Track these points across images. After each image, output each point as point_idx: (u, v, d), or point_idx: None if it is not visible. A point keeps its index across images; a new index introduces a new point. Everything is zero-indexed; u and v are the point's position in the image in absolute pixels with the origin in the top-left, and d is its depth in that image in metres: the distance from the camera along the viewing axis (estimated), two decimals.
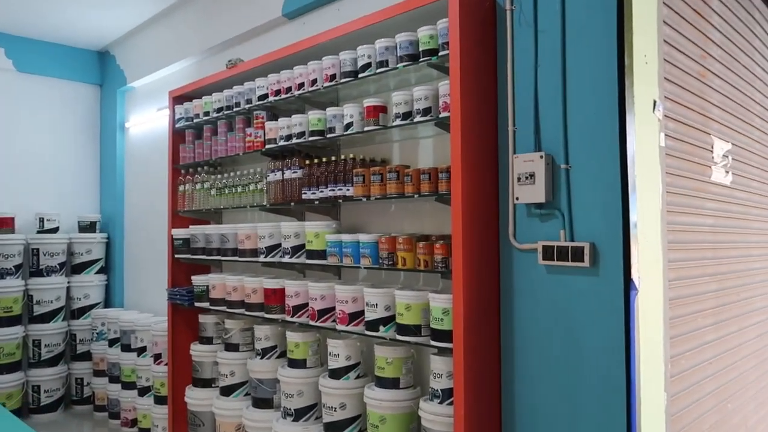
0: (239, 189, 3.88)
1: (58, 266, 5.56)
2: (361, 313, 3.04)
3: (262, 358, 3.69)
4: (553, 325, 2.51)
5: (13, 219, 5.43)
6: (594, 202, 2.40)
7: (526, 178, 2.54)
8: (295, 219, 3.73)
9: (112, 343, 5.22)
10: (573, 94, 2.47)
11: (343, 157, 3.22)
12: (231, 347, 3.93)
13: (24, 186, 5.72)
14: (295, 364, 3.43)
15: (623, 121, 2.33)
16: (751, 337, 3.62)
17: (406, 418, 2.92)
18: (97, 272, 5.83)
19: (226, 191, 3.99)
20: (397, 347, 2.94)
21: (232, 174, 4.00)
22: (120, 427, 5.07)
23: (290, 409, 3.40)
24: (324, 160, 3.29)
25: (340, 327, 3.10)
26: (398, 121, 2.87)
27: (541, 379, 2.54)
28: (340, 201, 3.15)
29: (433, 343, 2.70)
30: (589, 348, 2.38)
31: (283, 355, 3.62)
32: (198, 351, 4.15)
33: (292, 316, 3.39)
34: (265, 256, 3.58)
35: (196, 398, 4.10)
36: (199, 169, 4.30)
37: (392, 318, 2.91)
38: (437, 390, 2.73)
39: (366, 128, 3.04)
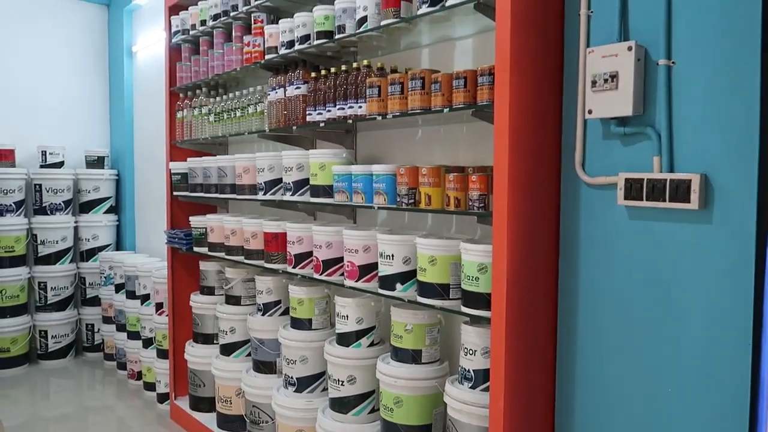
0: (238, 113, 3.21)
1: (63, 204, 5.11)
2: (375, 266, 2.37)
3: (263, 315, 3.10)
4: (636, 293, 1.77)
5: (13, 151, 4.96)
6: (709, 115, 1.61)
7: (605, 81, 1.75)
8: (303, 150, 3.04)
9: (118, 288, 4.78)
10: None
11: (355, 65, 2.48)
12: (232, 300, 3.36)
13: (25, 116, 5.22)
14: (298, 324, 2.82)
15: None
16: None
17: (427, 402, 2.28)
18: (107, 212, 5.36)
19: (225, 116, 3.33)
20: (418, 312, 2.26)
21: (230, 95, 3.33)
22: (127, 379, 4.68)
23: (292, 378, 2.81)
24: (332, 71, 2.56)
25: (348, 282, 2.45)
26: (425, 8, 2.09)
27: (614, 368, 1.83)
28: (351, 121, 2.43)
29: (464, 309, 2.01)
30: (694, 329, 1.64)
31: (287, 312, 3.02)
32: (198, 302, 3.61)
33: (294, 267, 2.76)
34: (265, 193, 2.93)
35: (196, 355, 3.59)
36: (197, 91, 3.65)
37: (413, 274, 2.23)
38: (469, 371, 2.06)
39: (383, 22, 2.28)
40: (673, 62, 1.68)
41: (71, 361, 5.20)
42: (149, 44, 5.12)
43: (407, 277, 2.24)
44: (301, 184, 2.74)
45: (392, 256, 2.24)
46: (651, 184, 1.68)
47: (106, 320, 5.03)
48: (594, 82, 1.77)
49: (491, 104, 1.88)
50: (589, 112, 1.80)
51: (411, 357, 2.30)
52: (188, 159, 3.64)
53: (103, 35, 5.62)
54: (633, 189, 1.72)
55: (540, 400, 1.99)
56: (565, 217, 1.96)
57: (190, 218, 3.61)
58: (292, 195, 2.75)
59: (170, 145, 3.85)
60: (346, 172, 2.46)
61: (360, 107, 2.40)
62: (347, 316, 2.54)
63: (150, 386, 4.30)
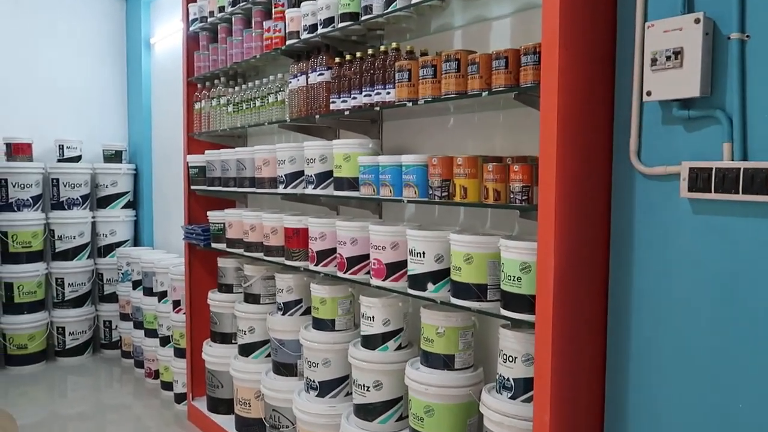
0: (257, 102, 3.07)
1: (80, 199, 5.02)
2: (404, 264, 2.21)
3: (284, 314, 2.95)
4: (701, 298, 1.58)
5: (30, 145, 4.88)
6: None
7: (668, 58, 1.55)
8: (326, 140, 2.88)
9: (135, 285, 4.68)
10: None
11: (382, 48, 2.31)
12: (251, 298, 3.22)
13: (42, 109, 5.14)
14: (320, 325, 2.67)
15: None
16: None
17: (461, 411, 2.11)
18: (124, 207, 5.27)
19: (244, 106, 3.18)
20: (451, 314, 2.09)
21: (250, 84, 3.18)
22: (144, 378, 4.58)
23: (314, 381, 2.66)
24: (358, 55, 2.39)
25: (374, 281, 2.29)
26: None
27: (672, 381, 1.64)
28: (378, 108, 2.26)
29: (504, 312, 1.83)
30: None
31: (309, 312, 2.87)
32: (216, 300, 3.48)
33: (316, 264, 2.60)
34: (285, 187, 2.78)
35: (214, 355, 3.46)
36: (216, 81, 3.51)
37: (446, 273, 2.06)
38: (508, 379, 1.88)
39: (414, 0, 2.10)
40: (747, 36, 1.49)
41: (89, 358, 5.12)
42: (167, 35, 5.00)
43: (439, 276, 2.06)
44: (324, 177, 2.58)
45: (423, 253, 2.07)
46: (721, 173, 1.49)
47: (124, 317, 4.94)
48: (654, 60, 1.58)
49: (537, 86, 1.69)
50: (648, 93, 1.61)
51: (443, 362, 2.13)
52: (206, 152, 3.50)
53: (120, 27, 5.52)
54: (699, 180, 1.53)
55: (588, 414, 1.80)
56: (617, 211, 1.77)
57: (208, 213, 3.47)
58: (314, 188, 2.60)
59: (187, 137, 3.72)
60: (373, 163, 2.29)
61: (388, 93, 2.23)
62: (373, 318, 2.38)
63: (167, 386, 4.19)
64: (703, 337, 1.58)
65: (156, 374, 4.40)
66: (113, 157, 5.23)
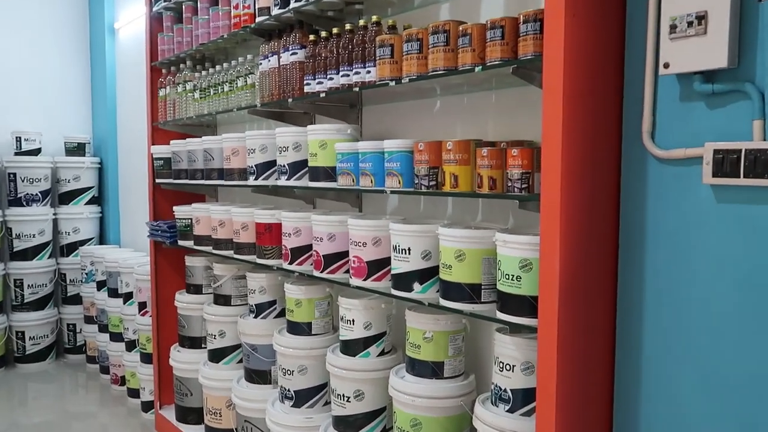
0: (226, 87, 2.81)
1: (40, 195, 4.71)
2: (387, 262, 1.99)
3: (256, 317, 2.72)
4: (727, 298, 1.39)
5: None
6: None
7: (689, 24, 1.36)
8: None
9: (99, 286, 4.39)
10: None
11: (362, 22, 2.08)
12: (221, 299, 2.98)
13: None
14: (295, 329, 2.44)
15: None
16: None
17: (451, 424, 1.90)
18: (88, 203, 4.96)
19: (211, 92, 2.93)
20: (440, 316, 1.88)
21: (218, 68, 2.93)
22: (110, 385, 4.30)
23: (289, 391, 2.43)
24: (335, 32, 2.16)
25: (354, 281, 2.06)
26: None
27: (690, 393, 1.45)
28: (357, 89, 2.03)
29: (501, 315, 1.62)
30: None
31: (284, 314, 2.63)
32: (184, 302, 3.22)
33: (290, 263, 2.37)
34: (256, 178, 2.54)
35: (182, 361, 3.21)
36: (181, 66, 3.24)
37: (434, 271, 1.84)
38: (505, 390, 1.68)
39: None
40: None
41: (51, 364, 4.82)
42: (132, 20, 4.69)
43: (427, 275, 1.85)
44: (298, 167, 2.34)
45: (408, 250, 1.85)
46: (752, 155, 1.30)
47: (88, 320, 4.64)
48: (673, 27, 1.38)
49: (538, 58, 1.48)
50: (665, 66, 1.41)
51: (431, 370, 1.91)
52: (171, 142, 3.24)
53: (83, 11, 5.19)
54: (726, 163, 1.33)
55: (596, 428, 1.61)
56: (627, 200, 1.57)
57: (174, 208, 3.22)
58: (287, 179, 2.36)
59: (152, 126, 3.45)
60: (352, 150, 2.07)
61: (368, 72, 2.01)
62: (353, 321, 2.15)
63: (134, 393, 3.93)
64: (727, 345, 1.39)
65: (122, 381, 4.13)
66: (76, 149, 4.92)
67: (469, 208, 2.09)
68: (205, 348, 3.09)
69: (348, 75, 2.09)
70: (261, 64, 2.51)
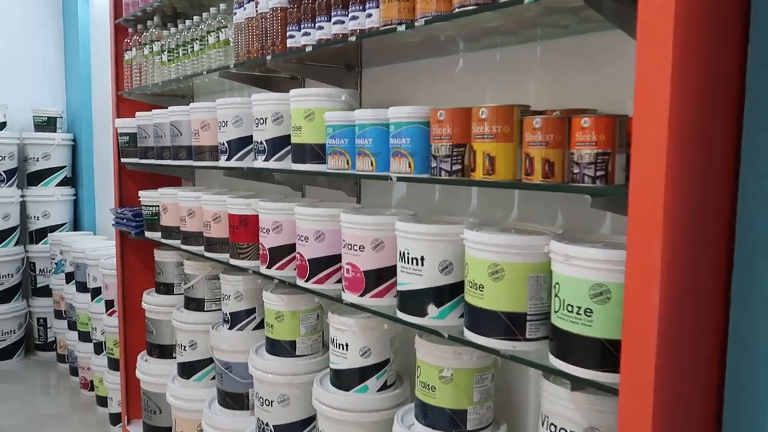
0: (196, 46, 2.29)
1: (4, 175, 4.22)
2: (391, 272, 1.48)
3: (231, 328, 2.23)
4: None
5: None
6: None
7: None
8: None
9: (68, 278, 3.91)
10: None
11: None
12: (192, 304, 2.49)
13: None
14: (276, 348, 1.95)
15: None
16: None
17: None
18: (60, 184, 4.46)
19: (180, 52, 2.40)
20: (463, 352, 1.37)
21: (188, 23, 2.40)
22: (80, 389, 3.84)
23: (267, 425, 1.94)
24: None
25: (348, 296, 1.56)
26: None
27: None
28: (355, 38, 1.50)
29: (557, 362, 1.11)
30: None
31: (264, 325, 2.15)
32: (153, 304, 2.73)
33: (269, 266, 1.87)
34: (228, 158, 2.02)
35: (150, 374, 2.74)
36: (148, 23, 2.71)
37: (456, 289, 1.33)
38: None
39: None
40: None
41: (20, 361, 4.37)
42: None
43: (447, 294, 1.34)
44: (278, 144, 1.83)
45: (421, 259, 1.34)
46: None
47: (58, 315, 4.18)
48: None
49: None
50: None
51: (449, 420, 1.41)
52: (136, 114, 2.72)
53: None
54: None
55: None
56: (747, 203, 1.05)
57: (140, 193, 2.71)
58: (265, 160, 1.85)
59: (116, 96, 2.94)
60: (346, 121, 1.55)
61: (369, 16, 1.48)
62: (346, 345, 1.65)
63: (103, 401, 3.46)
64: None
65: (91, 386, 3.67)
66: (45, 124, 4.40)
67: (501, 199, 1.57)
68: (176, 357, 2.61)
69: (342, 21, 1.57)
70: (236, 13, 1.98)
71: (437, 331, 1.33)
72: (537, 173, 1.10)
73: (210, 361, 2.44)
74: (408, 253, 1.36)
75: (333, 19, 1.59)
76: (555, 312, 1.09)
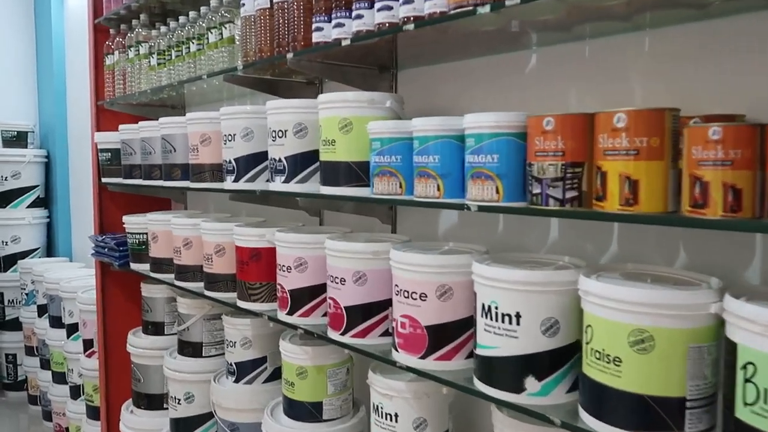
0: (192, 46, 1.94)
1: None
2: (464, 326, 1.14)
3: (237, 381, 1.86)
4: None
5: None
6: None
7: None
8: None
9: (41, 311, 3.50)
10: None
11: None
12: (188, 348, 2.12)
13: None
14: (297, 410, 1.59)
15: None
16: None
17: None
18: (32, 205, 4.04)
19: (173, 54, 2.05)
20: None
21: (181, 20, 2.05)
22: None
23: None
24: None
25: (402, 357, 1.21)
26: None
27: None
28: (410, 27, 1.17)
29: None
30: None
31: (277, 377, 1.79)
32: (139, 347, 2.35)
33: (290, 312, 1.51)
34: (236, 179, 1.67)
35: (138, 429, 2.35)
36: (134, 22, 2.35)
37: (563, 356, 1.00)
38: None
39: None
40: None
41: None
42: None
43: (551, 363, 1.00)
44: (301, 162, 1.48)
45: (517, 317, 1.00)
46: None
47: (29, 351, 3.74)
48: None
49: None
50: None
51: None
52: (120, 127, 2.35)
53: None
54: None
55: None
56: None
57: (124, 218, 2.34)
58: (285, 181, 1.49)
59: (96, 107, 2.57)
60: (399, 133, 1.21)
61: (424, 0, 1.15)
62: (395, 416, 1.30)
63: None
64: None
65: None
66: (15, 140, 3.99)
67: (590, 230, 1.24)
68: (167, 409, 2.23)
69: (390, 8, 1.24)
70: (244, 4, 1.64)
71: (543, 414, 0.99)
72: (715, 205, 0.77)
73: (210, 416, 2.06)
74: (496, 308, 1.02)
75: (377, 5, 1.26)
76: (748, 405, 0.76)
